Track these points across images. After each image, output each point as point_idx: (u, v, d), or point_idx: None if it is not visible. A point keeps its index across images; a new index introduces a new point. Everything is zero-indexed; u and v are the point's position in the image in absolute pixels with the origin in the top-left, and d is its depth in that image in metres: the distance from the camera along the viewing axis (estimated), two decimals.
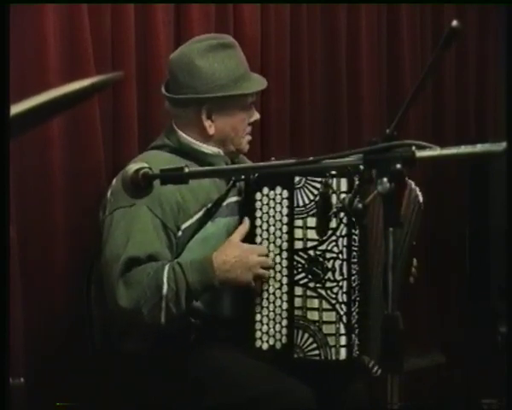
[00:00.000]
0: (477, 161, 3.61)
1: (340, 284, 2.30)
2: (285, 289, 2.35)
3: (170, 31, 2.86)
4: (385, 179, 1.48)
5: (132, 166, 1.68)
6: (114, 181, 2.39)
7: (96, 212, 2.42)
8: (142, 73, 2.78)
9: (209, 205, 2.38)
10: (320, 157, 1.62)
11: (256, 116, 2.52)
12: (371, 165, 1.53)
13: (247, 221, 2.36)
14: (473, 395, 3.72)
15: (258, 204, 2.36)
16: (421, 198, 2.50)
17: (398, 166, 1.48)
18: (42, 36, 2.49)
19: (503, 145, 1.49)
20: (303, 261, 2.33)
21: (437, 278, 3.84)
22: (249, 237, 2.36)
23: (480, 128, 3.99)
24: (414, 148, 1.50)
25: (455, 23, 1.49)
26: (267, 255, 2.34)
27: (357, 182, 2.22)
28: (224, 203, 2.41)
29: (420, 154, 1.50)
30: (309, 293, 2.33)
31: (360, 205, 1.63)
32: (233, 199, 2.43)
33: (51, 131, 2.51)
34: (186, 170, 1.66)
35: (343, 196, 2.24)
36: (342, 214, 2.27)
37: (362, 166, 1.55)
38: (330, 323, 2.31)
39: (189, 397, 2.33)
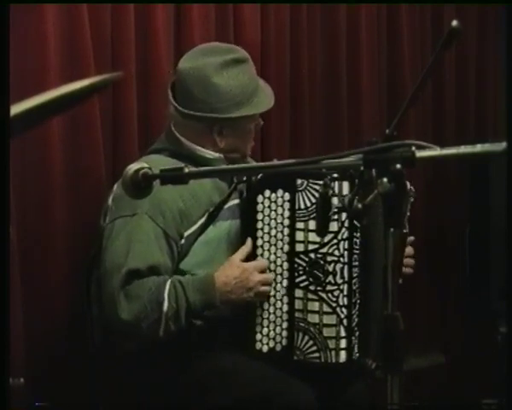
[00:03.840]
0: (477, 161, 3.60)
1: (341, 287, 2.30)
2: (286, 291, 2.35)
3: (170, 31, 2.86)
4: (385, 179, 1.48)
5: (132, 167, 1.68)
6: (116, 187, 2.38)
7: (95, 212, 2.42)
8: (142, 73, 2.78)
9: (211, 209, 2.38)
10: (320, 157, 1.62)
11: (261, 123, 2.53)
12: (371, 165, 1.53)
13: (249, 242, 2.35)
14: (473, 395, 3.72)
15: (259, 207, 2.36)
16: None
17: (398, 166, 1.48)
18: (42, 36, 2.49)
19: (503, 145, 1.48)
20: (304, 264, 2.33)
21: (437, 278, 3.84)
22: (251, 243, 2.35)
23: (479, 128, 3.99)
24: (414, 148, 1.50)
25: (455, 23, 1.49)
26: (269, 268, 2.34)
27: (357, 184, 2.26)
28: (226, 206, 2.41)
29: (420, 154, 1.50)
30: (309, 296, 2.33)
31: (360, 205, 1.62)
32: (234, 202, 2.43)
33: (51, 131, 2.51)
34: (186, 170, 1.66)
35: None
36: (344, 217, 2.27)
37: (362, 167, 1.55)
38: (330, 326, 2.31)
39: (190, 397, 2.33)
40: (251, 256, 2.35)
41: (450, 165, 3.84)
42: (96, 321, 2.41)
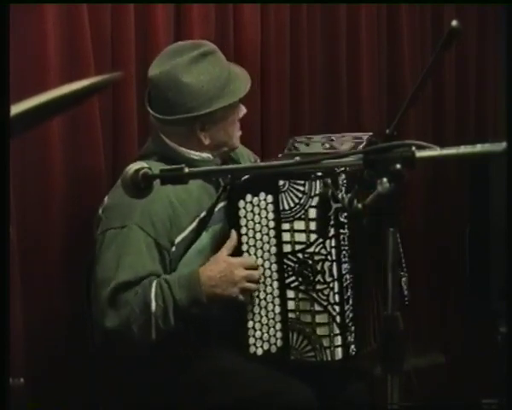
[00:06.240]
0: (477, 161, 3.60)
1: (331, 285, 2.29)
2: (277, 293, 2.34)
3: (170, 31, 2.86)
4: (385, 179, 1.48)
5: (132, 167, 1.68)
6: (106, 198, 2.39)
7: (95, 212, 2.42)
8: (142, 73, 2.78)
9: (202, 215, 2.37)
10: (319, 157, 1.62)
11: (243, 111, 2.50)
12: (371, 165, 1.53)
13: (234, 235, 2.34)
14: (473, 395, 3.72)
15: (242, 212, 2.34)
16: None
17: (398, 166, 1.48)
18: (42, 36, 2.49)
19: (503, 145, 1.49)
20: (292, 264, 2.32)
21: (437, 278, 3.84)
22: (236, 246, 2.34)
23: (479, 128, 3.99)
24: (414, 148, 1.50)
25: (455, 23, 1.50)
26: (256, 268, 2.33)
27: (341, 182, 2.25)
28: (216, 209, 2.39)
29: (420, 154, 1.50)
30: (301, 296, 2.32)
31: (360, 205, 1.62)
32: (224, 204, 2.41)
33: (51, 131, 2.51)
34: (186, 170, 1.66)
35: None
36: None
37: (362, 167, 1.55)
38: (323, 324, 2.30)
39: (190, 397, 2.33)
40: (237, 254, 2.34)
41: (450, 165, 3.84)
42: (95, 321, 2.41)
